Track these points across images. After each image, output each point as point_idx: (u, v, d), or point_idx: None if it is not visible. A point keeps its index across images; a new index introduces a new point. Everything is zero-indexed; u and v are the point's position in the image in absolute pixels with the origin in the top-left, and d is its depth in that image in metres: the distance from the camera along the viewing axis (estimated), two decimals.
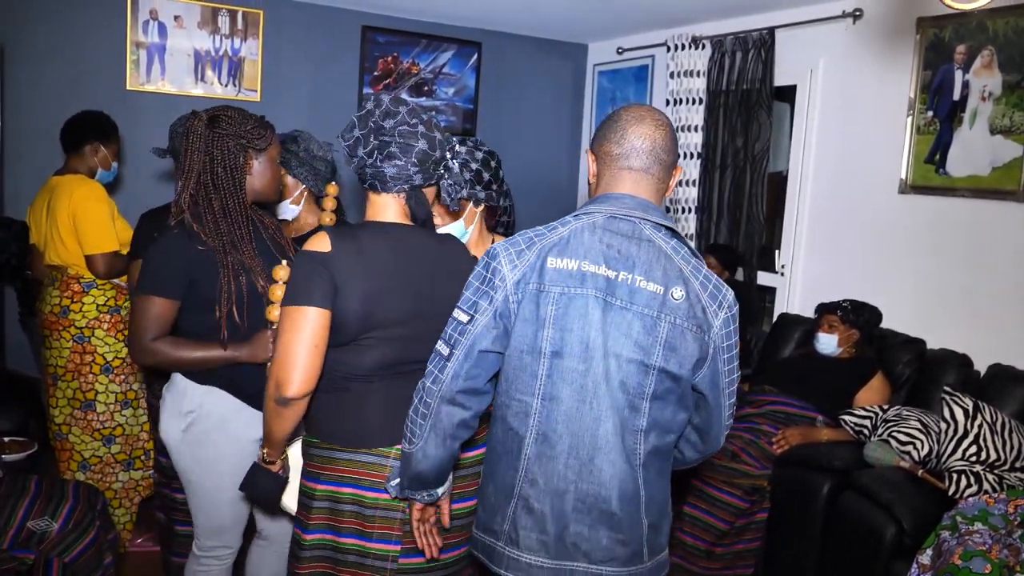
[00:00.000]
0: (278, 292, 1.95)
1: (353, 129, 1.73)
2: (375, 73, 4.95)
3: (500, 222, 2.46)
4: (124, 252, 3.05)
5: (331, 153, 3.28)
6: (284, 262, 2.00)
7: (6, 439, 3.01)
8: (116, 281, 3.06)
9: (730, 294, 1.56)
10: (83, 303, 3.00)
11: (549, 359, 1.51)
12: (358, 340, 1.68)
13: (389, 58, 4.98)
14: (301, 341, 1.60)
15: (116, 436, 3.08)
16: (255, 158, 2.06)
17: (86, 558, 2.34)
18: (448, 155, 1.79)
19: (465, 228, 2.20)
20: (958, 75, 3.34)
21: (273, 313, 1.98)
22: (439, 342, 1.59)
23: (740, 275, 4.24)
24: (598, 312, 1.49)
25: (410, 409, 1.61)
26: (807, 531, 2.92)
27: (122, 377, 3.06)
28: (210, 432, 2.04)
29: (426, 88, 5.13)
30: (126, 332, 3.07)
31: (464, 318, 1.54)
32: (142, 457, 3.15)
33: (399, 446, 1.68)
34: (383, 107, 1.71)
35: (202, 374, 2.03)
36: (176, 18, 4.36)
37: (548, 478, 1.53)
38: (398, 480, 1.67)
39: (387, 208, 1.76)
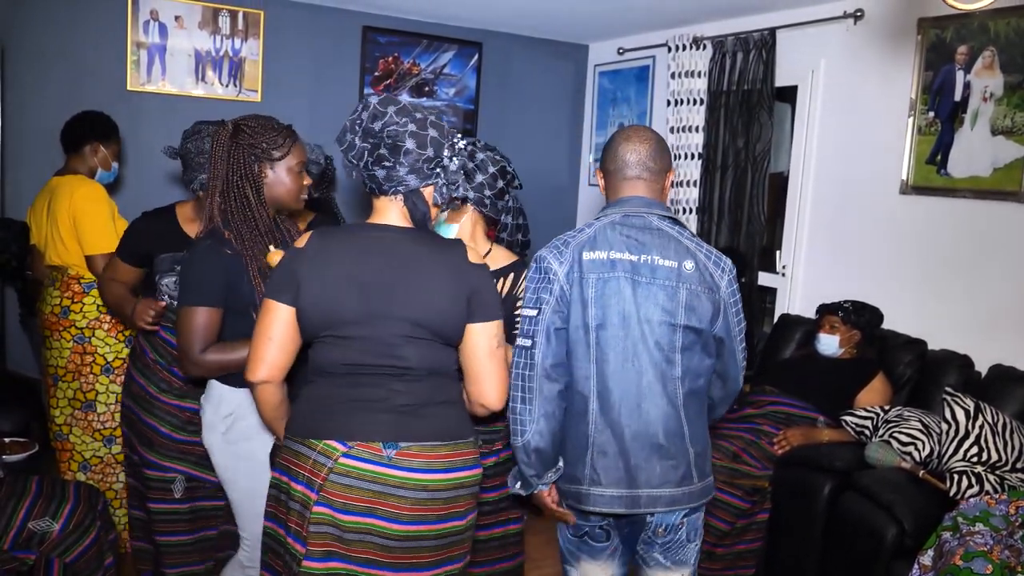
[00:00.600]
0: None
1: (346, 134, 1.74)
2: (376, 73, 4.95)
3: (500, 238, 2.40)
4: None
5: (322, 156, 3.27)
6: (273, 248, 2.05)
7: (7, 440, 3.00)
8: None
9: (728, 260, 1.95)
10: (83, 304, 3.00)
11: (596, 331, 1.86)
12: (320, 337, 1.73)
13: (390, 58, 4.98)
14: (261, 331, 1.73)
15: (117, 437, 3.07)
16: (270, 168, 2.08)
17: (87, 559, 2.34)
18: (447, 152, 1.77)
19: (447, 223, 2.17)
20: (959, 76, 3.33)
21: None
22: (518, 338, 1.88)
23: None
24: (629, 289, 1.86)
25: (509, 407, 1.87)
26: (808, 532, 2.91)
27: (123, 378, 3.06)
28: (250, 431, 2.08)
29: (427, 89, 5.13)
30: (127, 332, 3.07)
31: (533, 312, 1.87)
32: None
33: (328, 441, 1.69)
34: (371, 109, 1.71)
35: (237, 379, 2.02)
36: (177, 18, 4.36)
37: (610, 425, 1.87)
38: (520, 482, 1.96)
39: (386, 211, 1.77)
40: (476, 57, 5.24)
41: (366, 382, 1.72)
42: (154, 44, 4.35)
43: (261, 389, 1.76)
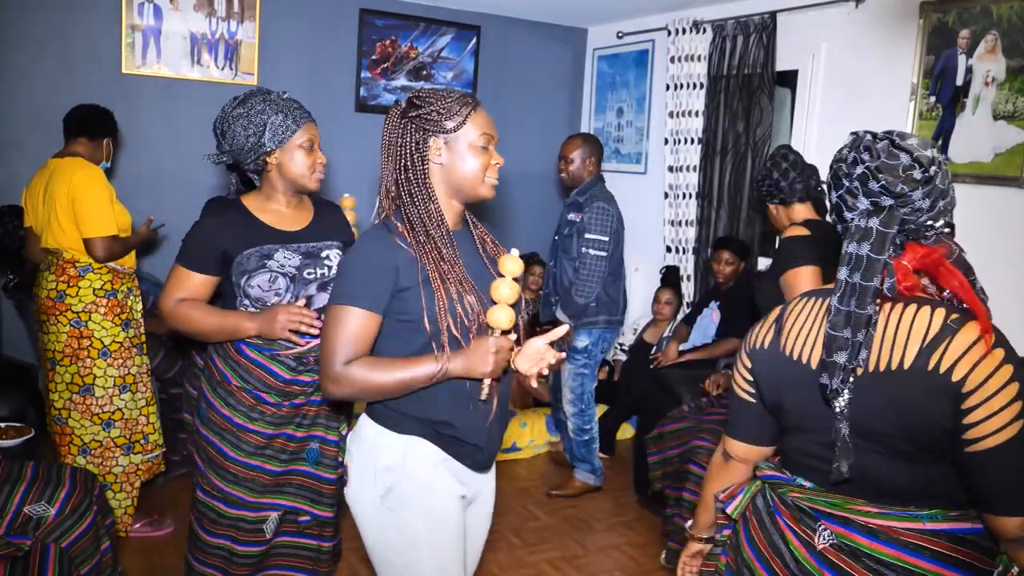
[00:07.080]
0: (503, 290, 1.66)
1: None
2: (373, 57, 4.91)
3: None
4: (122, 236, 3.04)
5: None
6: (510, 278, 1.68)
7: (2, 425, 2.99)
8: (113, 265, 3.04)
9: None
10: (79, 287, 2.98)
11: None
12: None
13: (387, 42, 4.94)
14: (808, 282, 2.48)
15: (115, 420, 3.07)
16: (444, 142, 1.68)
17: (83, 543, 2.33)
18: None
19: None
20: (961, 60, 3.31)
21: (497, 316, 1.65)
22: (595, 253, 3.71)
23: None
24: None
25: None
26: None
27: (120, 361, 3.05)
28: (413, 495, 1.70)
29: (424, 72, 5.08)
30: (123, 316, 3.06)
31: (606, 238, 3.67)
32: (141, 441, 3.15)
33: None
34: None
35: (402, 423, 1.70)
36: (171, 0, 4.31)
37: None
38: None
39: (803, 212, 2.71)
40: (474, 41, 5.20)
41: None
42: (149, 26, 4.30)
43: None
